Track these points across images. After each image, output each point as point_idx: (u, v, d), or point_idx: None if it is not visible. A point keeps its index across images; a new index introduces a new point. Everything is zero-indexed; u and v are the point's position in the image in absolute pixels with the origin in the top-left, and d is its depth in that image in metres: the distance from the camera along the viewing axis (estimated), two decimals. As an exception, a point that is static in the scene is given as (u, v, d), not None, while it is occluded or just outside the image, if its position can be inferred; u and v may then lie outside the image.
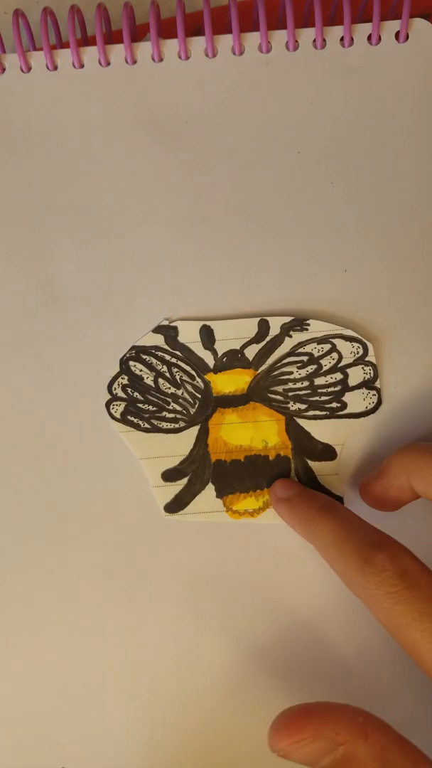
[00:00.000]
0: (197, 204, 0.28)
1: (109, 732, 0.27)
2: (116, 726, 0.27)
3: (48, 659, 0.27)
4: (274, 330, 0.28)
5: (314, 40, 0.28)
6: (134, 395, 0.28)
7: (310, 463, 0.28)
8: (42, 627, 0.27)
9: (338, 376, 0.28)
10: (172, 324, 0.28)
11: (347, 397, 0.28)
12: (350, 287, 0.28)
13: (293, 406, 0.28)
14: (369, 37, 0.28)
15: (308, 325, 0.28)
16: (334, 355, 0.28)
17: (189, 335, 0.28)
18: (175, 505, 0.27)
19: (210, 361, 0.28)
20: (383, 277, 0.28)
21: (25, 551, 0.28)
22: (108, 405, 0.28)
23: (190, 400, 0.28)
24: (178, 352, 0.28)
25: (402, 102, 0.28)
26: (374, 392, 0.28)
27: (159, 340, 0.28)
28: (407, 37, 0.28)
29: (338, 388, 0.28)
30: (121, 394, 0.28)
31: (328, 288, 0.28)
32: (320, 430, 0.28)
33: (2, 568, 0.28)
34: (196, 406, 0.28)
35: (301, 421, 0.28)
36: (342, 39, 0.28)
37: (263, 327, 0.28)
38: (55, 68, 0.28)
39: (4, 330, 0.28)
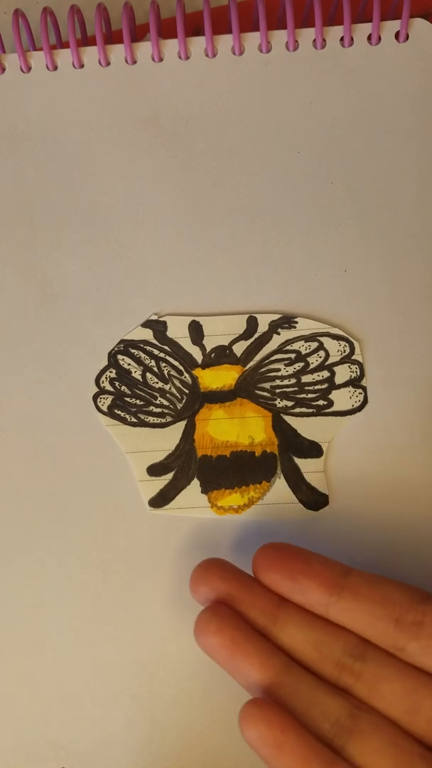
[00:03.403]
0: (197, 204, 0.28)
1: (109, 732, 0.27)
2: (116, 726, 0.27)
3: (47, 659, 0.27)
4: (263, 327, 0.28)
5: (314, 40, 0.28)
6: (122, 389, 0.28)
7: (297, 460, 0.28)
8: (41, 626, 0.27)
9: (325, 374, 0.28)
10: (161, 319, 0.28)
11: (334, 395, 0.28)
12: (349, 287, 0.28)
13: (280, 403, 0.28)
14: (369, 37, 0.28)
15: (296, 322, 0.28)
16: (321, 353, 0.28)
17: (178, 330, 0.28)
18: (160, 500, 0.27)
19: (198, 356, 0.28)
20: (382, 277, 0.28)
21: (22, 549, 0.28)
22: (95, 398, 0.28)
23: (177, 395, 0.28)
24: (166, 347, 0.28)
25: (402, 102, 0.28)
26: (360, 390, 0.28)
27: (148, 334, 0.28)
28: (407, 37, 0.28)
29: (325, 385, 0.28)
30: (108, 387, 0.28)
31: (328, 288, 0.28)
32: (307, 427, 0.28)
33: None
34: (184, 401, 0.28)
35: (288, 418, 0.28)
36: (342, 39, 0.28)
37: (252, 324, 0.28)
38: (55, 68, 0.28)
39: (3, 330, 0.28)
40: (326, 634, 0.23)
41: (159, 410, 0.28)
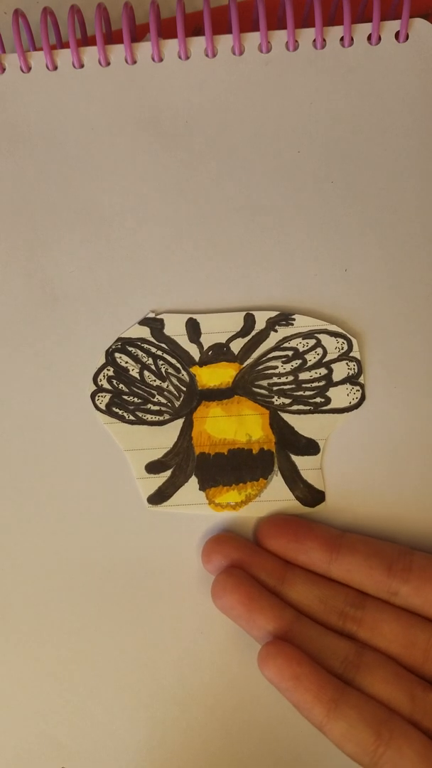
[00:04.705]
0: (197, 204, 0.28)
1: (109, 731, 0.27)
2: (116, 725, 0.27)
3: (48, 658, 0.27)
4: (260, 324, 0.28)
5: (314, 40, 0.28)
6: (119, 387, 0.28)
7: (294, 457, 0.28)
8: (40, 625, 0.27)
9: (323, 371, 0.28)
10: (158, 316, 0.28)
11: (331, 393, 0.28)
12: (350, 286, 0.28)
13: (278, 401, 0.28)
14: (369, 37, 0.28)
15: (294, 320, 0.28)
16: (319, 350, 0.28)
17: (175, 328, 0.28)
18: (158, 497, 0.28)
19: (195, 354, 0.28)
20: (383, 276, 0.28)
21: (20, 547, 0.28)
22: (93, 396, 0.28)
23: (175, 392, 0.28)
24: (163, 345, 0.28)
25: (402, 102, 0.28)
26: (358, 388, 0.28)
27: (145, 332, 0.28)
28: (407, 37, 0.28)
29: (322, 383, 0.28)
30: (106, 385, 0.28)
31: (329, 287, 0.28)
32: (304, 424, 0.28)
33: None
34: (181, 398, 0.28)
35: (285, 416, 0.28)
36: (342, 39, 0.28)
37: (249, 321, 0.28)
38: (55, 68, 0.28)
39: (4, 330, 0.28)
40: (329, 589, 0.26)
41: (157, 408, 0.28)
